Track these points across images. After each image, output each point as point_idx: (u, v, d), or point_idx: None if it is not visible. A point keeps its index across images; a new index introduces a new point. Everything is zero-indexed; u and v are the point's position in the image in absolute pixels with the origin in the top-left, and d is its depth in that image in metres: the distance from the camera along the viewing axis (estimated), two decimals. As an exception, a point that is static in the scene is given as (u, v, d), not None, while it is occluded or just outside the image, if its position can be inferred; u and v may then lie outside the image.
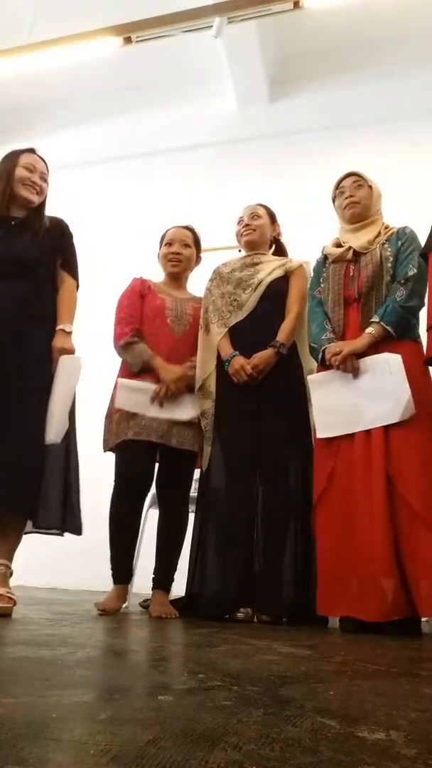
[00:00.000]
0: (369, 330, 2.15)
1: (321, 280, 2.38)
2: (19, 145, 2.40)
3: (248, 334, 2.40)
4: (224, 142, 4.57)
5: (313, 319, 2.34)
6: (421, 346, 2.15)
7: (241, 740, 0.62)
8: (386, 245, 2.29)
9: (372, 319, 2.16)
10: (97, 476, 2.40)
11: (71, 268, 2.34)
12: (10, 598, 2.01)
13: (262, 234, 2.60)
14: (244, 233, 2.60)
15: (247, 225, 2.59)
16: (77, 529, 2.19)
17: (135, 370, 2.35)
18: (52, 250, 2.29)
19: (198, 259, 2.66)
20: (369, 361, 2.14)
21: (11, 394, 2.06)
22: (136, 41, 3.80)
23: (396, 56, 4.29)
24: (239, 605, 2.18)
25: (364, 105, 4.30)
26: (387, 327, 2.13)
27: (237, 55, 4.21)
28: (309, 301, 2.41)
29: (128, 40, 3.79)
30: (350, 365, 2.15)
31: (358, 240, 2.34)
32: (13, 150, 2.39)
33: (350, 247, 2.32)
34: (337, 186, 2.46)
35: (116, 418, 2.33)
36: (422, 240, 2.20)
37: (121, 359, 2.45)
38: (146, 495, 2.37)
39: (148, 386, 2.32)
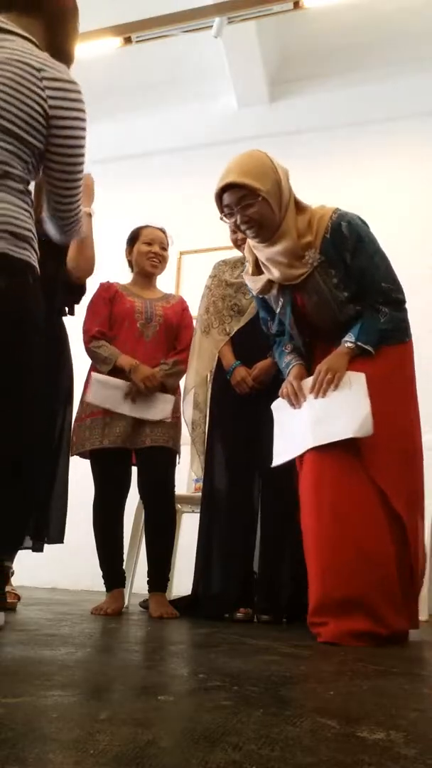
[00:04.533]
0: (348, 346, 1.76)
1: (270, 309, 1.98)
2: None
3: (249, 340, 2.38)
4: (224, 142, 4.55)
5: (278, 355, 2.02)
6: (410, 345, 1.86)
7: (241, 740, 0.62)
8: (324, 264, 1.76)
9: (347, 339, 1.78)
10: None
11: None
12: (14, 594, 2.06)
13: None
14: (242, 246, 2.43)
15: (244, 240, 2.48)
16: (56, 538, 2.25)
17: (106, 371, 2.34)
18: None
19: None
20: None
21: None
22: (136, 41, 3.80)
23: (396, 56, 4.28)
24: (239, 605, 2.18)
25: (365, 105, 4.29)
26: (365, 346, 1.76)
27: (237, 55, 4.21)
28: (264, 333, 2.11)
29: (128, 40, 3.79)
30: (329, 379, 1.75)
31: (277, 261, 1.80)
32: None
33: (269, 281, 1.86)
34: (219, 201, 1.84)
35: (88, 423, 2.31)
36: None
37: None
38: (125, 499, 2.38)
39: (122, 383, 2.31)
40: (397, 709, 0.81)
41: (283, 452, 1.88)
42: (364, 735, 0.67)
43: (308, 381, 1.84)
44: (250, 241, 1.88)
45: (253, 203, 1.73)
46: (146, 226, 2.60)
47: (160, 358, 2.41)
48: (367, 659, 1.33)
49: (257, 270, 1.92)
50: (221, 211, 1.83)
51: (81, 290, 2.41)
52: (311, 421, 1.77)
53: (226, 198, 1.78)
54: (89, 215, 2.31)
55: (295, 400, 1.83)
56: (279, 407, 1.97)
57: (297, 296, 1.84)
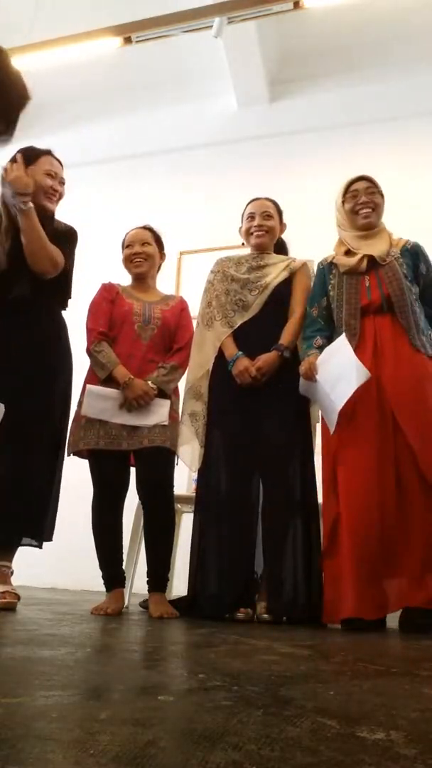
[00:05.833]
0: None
1: (329, 288, 2.35)
2: (18, 145, 2.37)
3: (252, 336, 2.38)
4: (224, 142, 4.56)
5: (306, 338, 2.37)
6: None
7: (241, 740, 0.62)
8: (401, 260, 2.31)
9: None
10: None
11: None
12: (14, 593, 2.07)
13: (272, 236, 2.55)
14: (256, 234, 2.52)
15: (259, 226, 2.52)
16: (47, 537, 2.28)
17: (102, 377, 2.34)
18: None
19: (162, 256, 2.63)
20: (321, 356, 2.25)
21: (24, 415, 2.09)
22: (136, 41, 3.80)
23: (396, 56, 4.29)
24: (239, 605, 2.18)
25: (364, 105, 4.30)
26: None
27: (237, 55, 4.21)
28: (307, 317, 2.40)
29: (128, 40, 3.79)
30: None
31: (375, 248, 2.34)
32: (29, 148, 2.32)
33: (364, 257, 2.31)
34: (347, 189, 2.42)
35: (83, 423, 2.32)
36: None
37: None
38: (123, 499, 2.38)
39: (117, 393, 2.31)
40: (397, 709, 0.81)
41: (330, 421, 2.22)
42: (364, 735, 0.67)
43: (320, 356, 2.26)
44: (349, 231, 2.42)
45: (375, 192, 2.41)
46: (129, 231, 2.61)
47: (158, 361, 2.40)
48: (367, 659, 1.33)
49: (346, 255, 2.40)
50: (344, 194, 2.43)
51: (65, 283, 2.38)
52: (328, 390, 2.21)
53: (357, 185, 2.42)
54: (22, 211, 2.14)
55: (310, 373, 2.26)
56: (307, 389, 2.30)
57: (381, 273, 2.30)
